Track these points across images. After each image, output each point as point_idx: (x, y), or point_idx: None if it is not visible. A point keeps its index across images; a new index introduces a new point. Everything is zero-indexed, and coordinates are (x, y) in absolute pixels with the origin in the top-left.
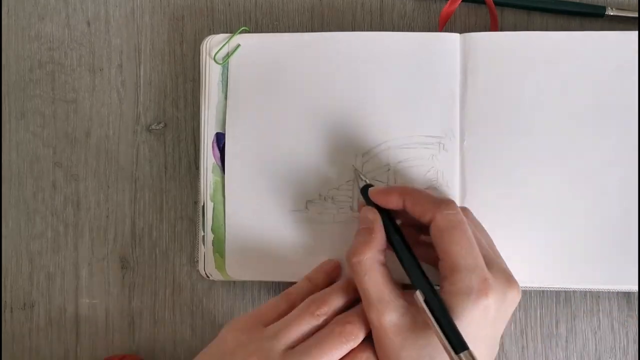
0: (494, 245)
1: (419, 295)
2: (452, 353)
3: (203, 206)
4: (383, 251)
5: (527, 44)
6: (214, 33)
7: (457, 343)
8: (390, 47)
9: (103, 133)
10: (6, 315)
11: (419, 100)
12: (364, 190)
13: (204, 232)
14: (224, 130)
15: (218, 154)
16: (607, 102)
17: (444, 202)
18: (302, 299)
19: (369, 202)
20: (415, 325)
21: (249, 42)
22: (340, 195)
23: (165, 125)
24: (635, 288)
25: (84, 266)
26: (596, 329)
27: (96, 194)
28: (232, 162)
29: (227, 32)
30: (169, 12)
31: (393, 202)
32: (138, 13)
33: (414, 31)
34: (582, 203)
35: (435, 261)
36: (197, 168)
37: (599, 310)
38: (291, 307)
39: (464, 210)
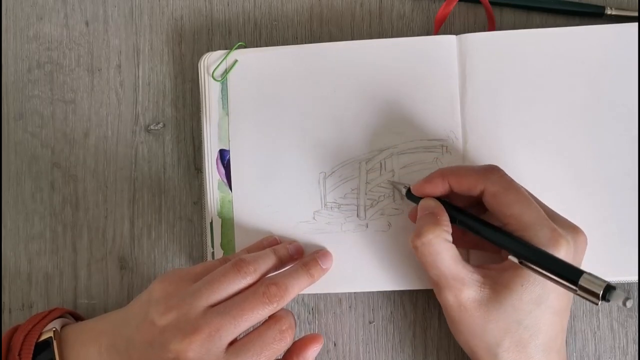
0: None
1: (512, 258)
2: (573, 287)
3: (211, 223)
4: (449, 231)
5: (522, 42)
6: (212, 33)
7: (572, 273)
8: (388, 54)
9: (102, 133)
10: (5, 316)
11: (419, 104)
12: (409, 194)
13: (212, 248)
14: (227, 147)
15: (223, 171)
16: (607, 97)
17: (488, 170)
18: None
19: (417, 201)
20: (497, 295)
21: (247, 57)
22: (346, 204)
23: (164, 125)
24: (635, 279)
25: (82, 267)
26: (595, 329)
27: (95, 194)
28: (238, 179)
29: (226, 32)
30: (167, 12)
31: (438, 187)
32: (137, 13)
33: (412, 31)
34: (585, 197)
35: (484, 246)
36: (196, 169)
37: (599, 310)
38: None
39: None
